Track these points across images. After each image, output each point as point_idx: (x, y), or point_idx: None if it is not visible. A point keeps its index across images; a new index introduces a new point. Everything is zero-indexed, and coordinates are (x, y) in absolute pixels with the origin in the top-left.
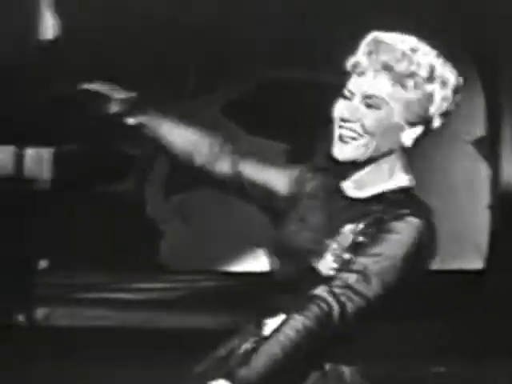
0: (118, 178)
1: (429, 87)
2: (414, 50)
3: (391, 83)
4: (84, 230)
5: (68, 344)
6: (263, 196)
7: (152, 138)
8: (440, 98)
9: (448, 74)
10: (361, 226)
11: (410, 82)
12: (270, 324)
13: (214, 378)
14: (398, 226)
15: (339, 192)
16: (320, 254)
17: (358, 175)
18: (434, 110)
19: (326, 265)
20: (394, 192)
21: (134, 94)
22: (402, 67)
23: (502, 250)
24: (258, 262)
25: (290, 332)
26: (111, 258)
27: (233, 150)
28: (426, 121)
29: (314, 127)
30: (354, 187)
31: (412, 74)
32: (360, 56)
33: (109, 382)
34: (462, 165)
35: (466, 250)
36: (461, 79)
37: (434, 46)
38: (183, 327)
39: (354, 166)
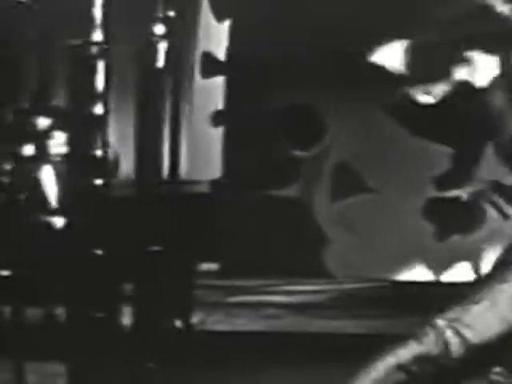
0: (285, 182)
1: None
2: None
3: None
4: (250, 233)
5: (222, 348)
6: None
7: None
8: None
9: None
10: None
11: None
12: None
13: None
14: None
15: None
16: None
17: None
18: None
19: None
20: None
21: None
22: None
23: None
24: (418, 272)
25: None
26: (273, 262)
27: None
28: None
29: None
30: None
31: None
32: None
33: None
34: None
35: None
36: None
37: None
38: (337, 332)
39: None
